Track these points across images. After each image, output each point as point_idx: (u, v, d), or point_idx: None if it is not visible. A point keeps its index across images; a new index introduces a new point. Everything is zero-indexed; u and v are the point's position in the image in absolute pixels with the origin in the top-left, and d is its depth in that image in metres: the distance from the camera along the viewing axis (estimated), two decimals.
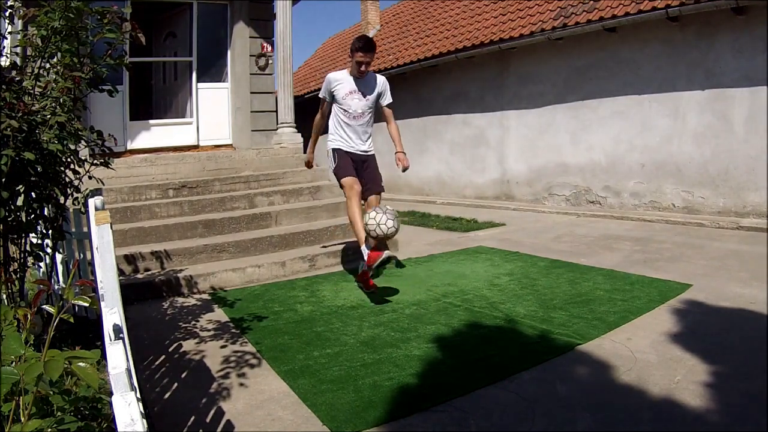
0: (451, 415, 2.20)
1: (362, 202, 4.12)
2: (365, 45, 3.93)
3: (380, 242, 3.72)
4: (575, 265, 4.60)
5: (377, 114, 4.28)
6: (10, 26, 2.59)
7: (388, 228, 3.58)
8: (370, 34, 14.28)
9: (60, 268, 3.56)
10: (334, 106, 4.14)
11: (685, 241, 5.49)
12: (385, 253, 3.61)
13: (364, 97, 4.09)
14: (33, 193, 2.42)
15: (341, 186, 4.10)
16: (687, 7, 6.28)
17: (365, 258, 3.74)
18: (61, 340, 2.77)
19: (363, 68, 3.97)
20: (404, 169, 4.14)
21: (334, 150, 4.17)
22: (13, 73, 2.40)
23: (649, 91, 7.18)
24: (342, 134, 4.14)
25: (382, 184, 4.26)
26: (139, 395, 1.30)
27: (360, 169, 4.15)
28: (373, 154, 4.26)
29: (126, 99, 6.70)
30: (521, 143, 8.97)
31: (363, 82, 4.08)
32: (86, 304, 1.34)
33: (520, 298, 3.73)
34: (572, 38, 7.85)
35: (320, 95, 4.23)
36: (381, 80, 4.18)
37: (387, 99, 4.21)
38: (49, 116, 2.31)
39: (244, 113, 7.41)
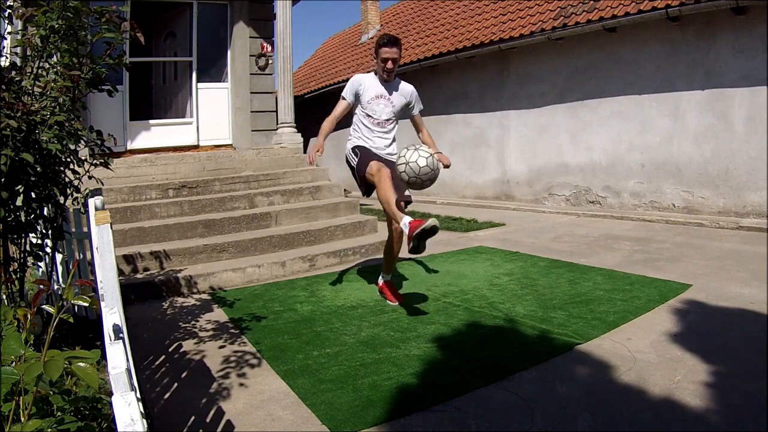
0: (450, 415, 2.20)
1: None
2: (390, 39, 3.64)
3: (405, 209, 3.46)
4: (575, 265, 4.60)
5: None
6: (9, 26, 2.59)
7: (420, 167, 3.33)
8: (370, 35, 14.29)
9: (60, 268, 3.56)
10: (358, 111, 3.82)
11: (685, 241, 5.49)
12: (429, 221, 3.05)
13: (392, 103, 3.78)
14: (32, 193, 2.42)
15: (365, 179, 3.65)
16: (687, 7, 6.28)
17: (406, 230, 3.16)
18: (61, 340, 2.77)
19: (390, 65, 3.65)
20: (446, 166, 3.73)
21: (355, 147, 3.78)
22: (13, 73, 2.40)
23: (649, 91, 7.17)
24: (364, 137, 3.81)
25: (408, 194, 3.82)
26: (139, 395, 1.30)
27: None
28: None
29: (126, 99, 6.70)
30: (521, 143, 8.97)
31: (391, 87, 3.79)
32: (86, 304, 1.34)
33: (519, 298, 3.72)
34: (572, 38, 7.85)
35: (343, 95, 3.82)
36: (410, 90, 3.87)
37: (418, 108, 3.92)
38: (48, 116, 2.30)
39: (244, 113, 7.41)
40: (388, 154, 3.82)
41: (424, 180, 3.45)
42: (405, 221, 3.21)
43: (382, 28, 14.10)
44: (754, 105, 6.22)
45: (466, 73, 9.76)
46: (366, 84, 3.78)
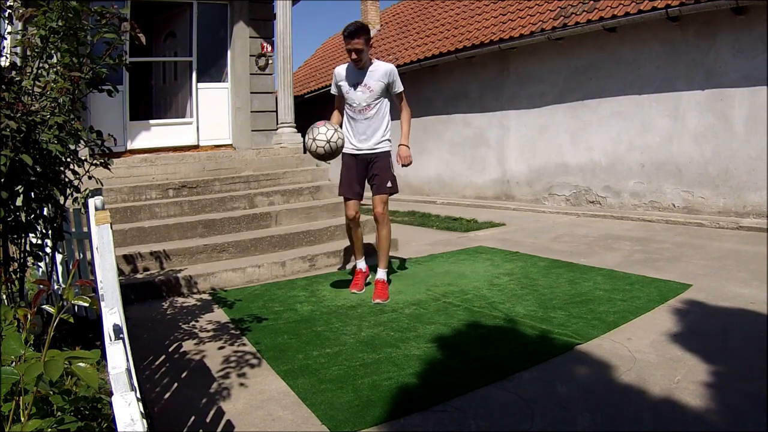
0: (450, 415, 2.20)
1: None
2: (349, 32, 3.71)
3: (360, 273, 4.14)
4: (575, 265, 4.60)
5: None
6: (9, 26, 2.59)
7: (318, 146, 3.64)
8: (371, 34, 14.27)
9: (60, 268, 3.56)
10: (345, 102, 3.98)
11: (685, 241, 5.49)
12: (355, 291, 4.03)
13: (368, 88, 3.84)
14: (32, 193, 2.42)
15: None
16: (687, 7, 6.28)
17: (357, 272, 4.17)
18: (61, 340, 2.76)
19: (354, 56, 3.76)
20: (403, 166, 3.94)
21: (342, 154, 3.95)
22: (13, 73, 2.40)
23: (649, 91, 7.18)
24: (348, 133, 3.95)
25: (389, 186, 3.96)
26: (139, 395, 1.30)
27: (367, 169, 3.99)
28: (384, 152, 3.97)
29: (126, 99, 6.70)
30: (521, 143, 8.97)
31: (366, 73, 3.85)
32: (86, 304, 1.34)
33: (519, 298, 3.72)
34: (572, 38, 7.85)
35: (331, 91, 4.06)
36: (387, 69, 3.88)
37: (397, 87, 3.93)
38: (48, 116, 2.30)
39: (244, 113, 7.41)
40: (370, 149, 3.96)
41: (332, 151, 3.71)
42: (360, 265, 4.18)
43: (382, 28, 14.10)
44: (754, 105, 6.22)
45: (466, 73, 9.76)
46: (342, 75, 3.94)
